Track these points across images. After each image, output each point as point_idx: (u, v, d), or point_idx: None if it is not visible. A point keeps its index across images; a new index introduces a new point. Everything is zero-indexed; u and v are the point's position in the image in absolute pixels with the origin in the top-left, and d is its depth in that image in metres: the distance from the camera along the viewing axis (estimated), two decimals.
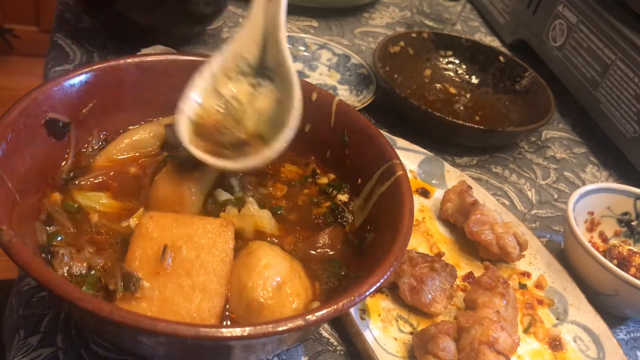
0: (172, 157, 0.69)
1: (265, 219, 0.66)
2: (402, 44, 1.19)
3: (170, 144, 0.73)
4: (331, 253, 0.67)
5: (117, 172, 0.68)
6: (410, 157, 0.95)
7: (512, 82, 1.20)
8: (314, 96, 0.75)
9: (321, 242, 0.67)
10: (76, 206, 0.63)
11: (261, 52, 0.68)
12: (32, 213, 0.60)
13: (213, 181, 0.70)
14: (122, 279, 0.55)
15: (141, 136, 0.72)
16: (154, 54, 0.74)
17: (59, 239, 0.60)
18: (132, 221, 0.63)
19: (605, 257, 0.78)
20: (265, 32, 0.68)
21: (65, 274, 0.57)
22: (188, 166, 0.67)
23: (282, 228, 0.68)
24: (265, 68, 0.69)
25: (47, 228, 0.60)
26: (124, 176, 0.68)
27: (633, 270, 0.86)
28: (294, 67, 0.67)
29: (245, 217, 0.65)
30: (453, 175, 0.94)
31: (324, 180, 0.74)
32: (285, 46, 0.67)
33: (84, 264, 0.58)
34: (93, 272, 0.58)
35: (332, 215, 0.71)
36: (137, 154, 0.71)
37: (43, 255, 0.56)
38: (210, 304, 0.56)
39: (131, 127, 0.73)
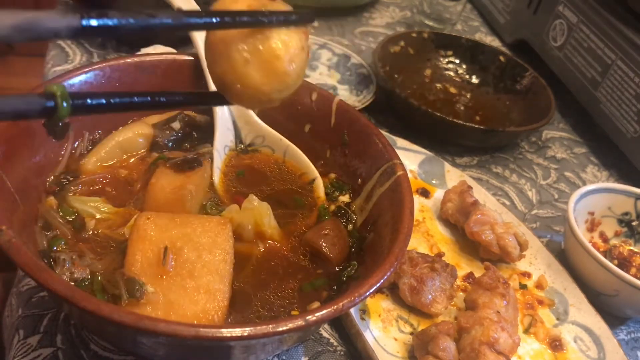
0: (165, 158, 0.69)
1: (264, 212, 0.65)
2: (402, 43, 1.19)
3: (159, 144, 0.72)
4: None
5: (108, 176, 0.67)
6: (410, 157, 0.95)
7: (512, 82, 1.19)
8: (314, 96, 0.75)
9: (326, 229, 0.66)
10: (73, 211, 0.62)
11: (235, 136, 0.76)
12: (33, 218, 0.59)
13: (209, 182, 0.70)
14: (125, 286, 0.54)
15: (129, 137, 0.70)
16: (154, 54, 0.74)
17: (61, 244, 0.59)
18: (127, 231, 0.62)
19: (605, 258, 0.78)
20: (234, 118, 0.76)
21: (68, 280, 0.56)
22: (184, 167, 0.67)
23: (282, 232, 0.67)
24: (245, 146, 0.77)
25: (46, 233, 0.59)
26: (115, 180, 0.68)
27: (633, 270, 0.86)
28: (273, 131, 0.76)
29: (245, 211, 0.64)
30: (453, 175, 0.94)
31: (325, 180, 0.74)
32: (259, 120, 0.76)
33: (86, 270, 0.57)
34: (99, 278, 0.57)
35: (335, 217, 0.70)
36: (126, 157, 0.70)
37: (45, 260, 0.56)
38: (216, 304, 0.55)
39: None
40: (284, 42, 0.50)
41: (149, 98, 0.50)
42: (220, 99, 0.54)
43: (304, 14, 0.53)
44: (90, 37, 0.47)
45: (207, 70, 0.53)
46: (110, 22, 0.38)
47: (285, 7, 0.53)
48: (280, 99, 0.54)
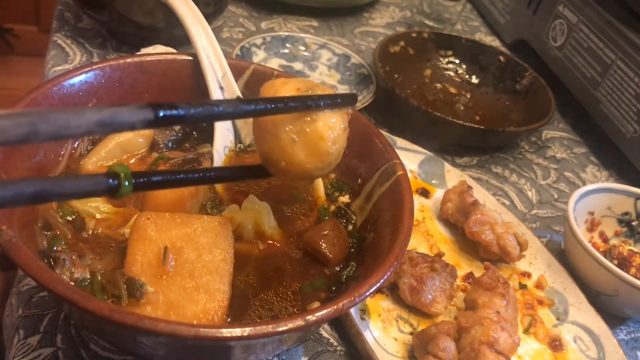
0: (165, 159, 0.69)
1: (264, 212, 0.65)
2: (402, 43, 1.19)
3: (159, 144, 0.72)
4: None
5: None
6: (410, 157, 0.95)
7: (512, 82, 1.20)
8: None
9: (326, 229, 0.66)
10: (73, 211, 0.62)
11: (234, 136, 0.76)
12: (33, 218, 0.59)
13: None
14: (125, 286, 0.54)
15: (129, 137, 0.70)
16: (154, 54, 0.74)
17: (61, 244, 0.59)
18: (126, 231, 0.62)
19: (605, 257, 0.78)
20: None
21: (68, 280, 0.56)
22: (184, 167, 0.67)
23: (282, 232, 0.67)
24: (245, 146, 0.77)
25: (46, 233, 0.59)
26: None
27: (633, 270, 0.86)
28: None
29: (245, 211, 0.65)
30: (453, 175, 0.94)
31: (324, 181, 0.74)
32: None
33: (86, 270, 0.57)
34: (99, 278, 0.56)
35: (335, 218, 0.70)
36: (126, 157, 0.70)
37: (45, 260, 0.56)
38: (216, 304, 0.55)
39: None
40: (329, 125, 0.54)
41: (201, 174, 0.55)
42: (264, 172, 0.58)
43: (348, 97, 0.57)
44: (162, 126, 0.55)
45: (246, 129, 0.61)
46: (181, 112, 0.43)
47: (329, 91, 0.57)
48: (320, 175, 0.58)
